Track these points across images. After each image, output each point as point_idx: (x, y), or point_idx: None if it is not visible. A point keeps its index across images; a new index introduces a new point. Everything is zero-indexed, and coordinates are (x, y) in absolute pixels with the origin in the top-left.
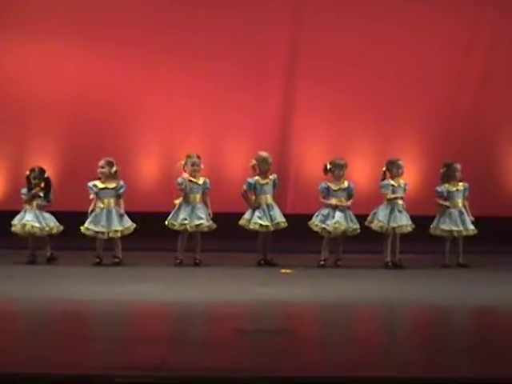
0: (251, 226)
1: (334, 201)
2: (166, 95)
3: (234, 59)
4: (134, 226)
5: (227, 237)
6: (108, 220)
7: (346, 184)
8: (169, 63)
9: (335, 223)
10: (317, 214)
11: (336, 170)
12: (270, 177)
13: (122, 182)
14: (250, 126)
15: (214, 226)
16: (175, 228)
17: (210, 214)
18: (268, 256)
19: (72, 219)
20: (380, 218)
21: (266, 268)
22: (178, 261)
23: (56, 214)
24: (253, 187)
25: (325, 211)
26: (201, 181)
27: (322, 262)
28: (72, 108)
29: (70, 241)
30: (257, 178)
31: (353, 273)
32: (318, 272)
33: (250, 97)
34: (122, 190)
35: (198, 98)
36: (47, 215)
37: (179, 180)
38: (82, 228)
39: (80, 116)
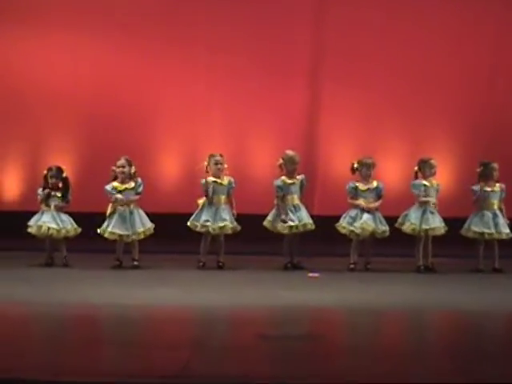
0: (279, 228)
1: (362, 201)
2: (187, 91)
3: (257, 54)
4: (153, 226)
5: (252, 239)
6: (131, 222)
7: (374, 184)
8: (189, 58)
9: (362, 224)
10: (344, 215)
11: (363, 169)
12: (298, 177)
13: (139, 180)
14: (275, 124)
15: (239, 227)
16: (197, 229)
17: (234, 215)
18: (295, 259)
19: (90, 221)
20: (412, 220)
21: (292, 272)
22: (201, 263)
23: (73, 215)
24: (281, 189)
25: (352, 212)
26: (225, 181)
27: (352, 266)
28: (89, 104)
29: (88, 243)
30: (283, 177)
31: (383, 277)
32: (346, 276)
33: (274, 93)
34: (141, 188)
35: (220, 93)
36: (64, 217)
37: (202, 181)
38: (104, 232)
39: (97, 113)
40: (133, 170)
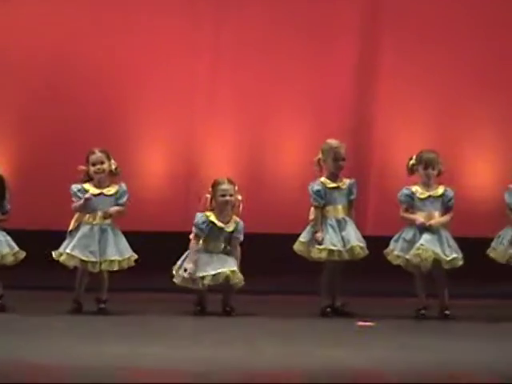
0: (313, 254)
1: (420, 215)
2: (184, 62)
3: (284, 7)
4: (135, 257)
5: (274, 270)
6: (102, 244)
7: (440, 190)
8: (188, 13)
9: (419, 249)
10: (395, 237)
11: (422, 167)
12: (344, 180)
13: (124, 186)
14: (310, 106)
15: (242, 282)
16: (184, 284)
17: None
18: (338, 301)
19: (41, 242)
20: (506, 243)
21: (334, 319)
22: (198, 308)
23: (15, 234)
24: (320, 196)
25: (408, 233)
26: (230, 226)
27: (422, 312)
28: (44, 76)
29: (36, 274)
30: (323, 179)
31: (467, 328)
32: (413, 326)
33: (308, 63)
34: (125, 198)
35: (230, 65)
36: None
37: (198, 218)
38: (59, 255)
39: (56, 90)
40: (113, 165)
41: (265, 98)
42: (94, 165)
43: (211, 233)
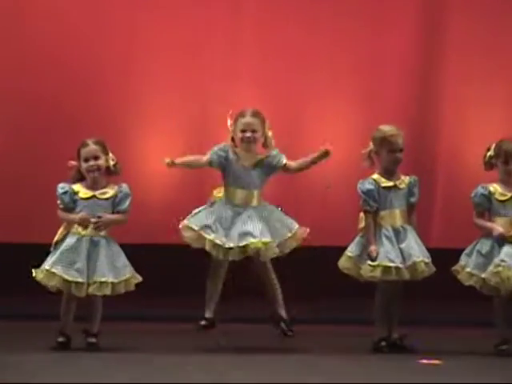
0: (363, 272)
1: (499, 223)
2: (196, 31)
3: None
4: (138, 279)
5: (313, 293)
6: (93, 262)
7: None
8: None
9: (498, 267)
10: (468, 250)
11: (502, 160)
12: (403, 177)
13: (126, 187)
14: (357, 91)
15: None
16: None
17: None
18: (395, 332)
19: (19, 257)
20: None
21: (390, 355)
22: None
23: None
24: (372, 198)
25: (484, 246)
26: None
27: (503, 347)
28: (30, 44)
29: (12, 300)
30: (376, 176)
31: None
32: (490, 364)
33: (353, 40)
34: (126, 204)
35: (254, 36)
36: None
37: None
38: (38, 273)
39: (37, 65)
40: (111, 161)
41: (302, 76)
42: (86, 160)
43: None
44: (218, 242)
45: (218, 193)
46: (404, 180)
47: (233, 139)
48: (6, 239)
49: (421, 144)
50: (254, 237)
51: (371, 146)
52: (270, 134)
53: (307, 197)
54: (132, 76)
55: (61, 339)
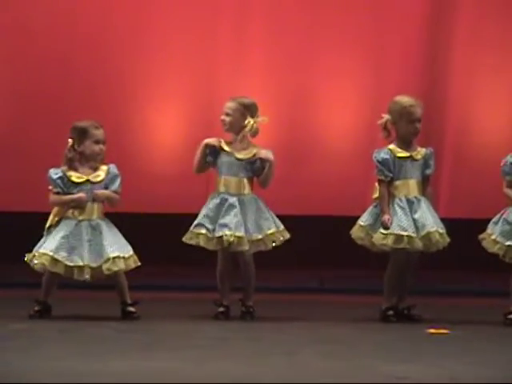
0: (375, 240)
1: None
2: (200, 10)
3: None
4: (136, 263)
5: (322, 263)
6: (96, 244)
7: None
8: None
9: None
10: (495, 219)
11: None
12: (419, 149)
13: (113, 168)
14: (368, 63)
15: (287, 235)
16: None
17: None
18: (403, 302)
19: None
20: None
21: (397, 325)
22: (222, 310)
23: None
24: (387, 167)
25: (511, 214)
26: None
27: (511, 316)
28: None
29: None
30: (392, 146)
31: None
32: (499, 334)
33: (362, 14)
34: (117, 184)
35: (264, 15)
36: None
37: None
38: (37, 257)
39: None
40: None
41: (312, 49)
42: (97, 142)
43: None
44: (209, 235)
45: None
46: (420, 151)
47: None
48: None
49: (429, 117)
50: (229, 229)
51: (387, 116)
52: (252, 122)
53: (320, 168)
54: (139, 63)
55: (37, 308)
